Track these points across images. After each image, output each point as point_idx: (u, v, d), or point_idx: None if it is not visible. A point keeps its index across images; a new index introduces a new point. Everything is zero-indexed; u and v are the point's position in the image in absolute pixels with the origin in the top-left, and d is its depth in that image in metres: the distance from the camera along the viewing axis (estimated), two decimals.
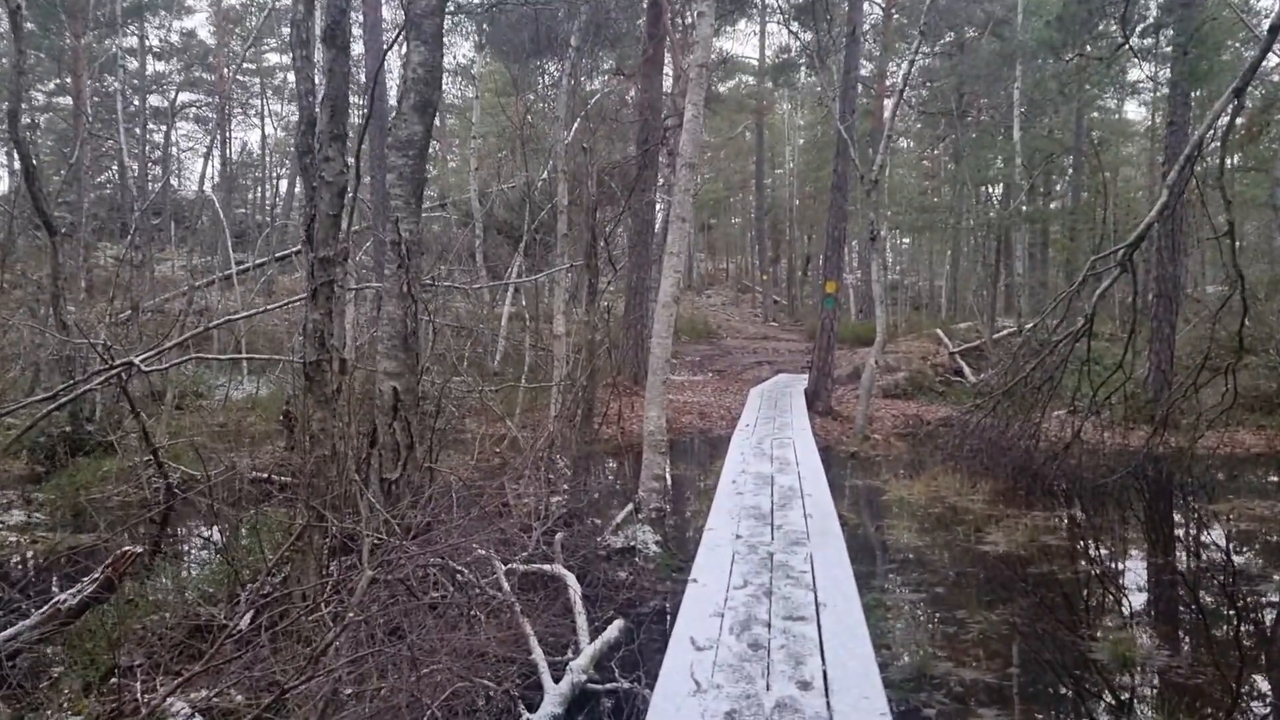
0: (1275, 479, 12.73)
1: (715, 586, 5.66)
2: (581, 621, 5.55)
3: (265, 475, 11.04)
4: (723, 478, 9.34)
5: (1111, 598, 7.50)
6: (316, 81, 5.83)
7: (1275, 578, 7.97)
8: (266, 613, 5.35)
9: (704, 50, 8.14)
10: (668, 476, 13.17)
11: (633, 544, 7.66)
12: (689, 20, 20.05)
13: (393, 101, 22.74)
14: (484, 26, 24.45)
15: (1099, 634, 6.24)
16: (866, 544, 8.93)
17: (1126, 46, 12.05)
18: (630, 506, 8.07)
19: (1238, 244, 11.62)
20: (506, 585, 5.55)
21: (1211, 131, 10.99)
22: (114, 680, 5.01)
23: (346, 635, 4.04)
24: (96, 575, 5.51)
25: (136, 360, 9.61)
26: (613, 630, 5.40)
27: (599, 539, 7.69)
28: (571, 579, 5.96)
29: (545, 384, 10.97)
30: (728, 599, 5.43)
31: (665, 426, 8.13)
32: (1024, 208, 24.74)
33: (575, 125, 15.25)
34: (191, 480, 10.09)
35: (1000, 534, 8.88)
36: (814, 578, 5.84)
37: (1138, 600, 7.51)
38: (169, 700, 4.60)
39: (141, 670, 5.13)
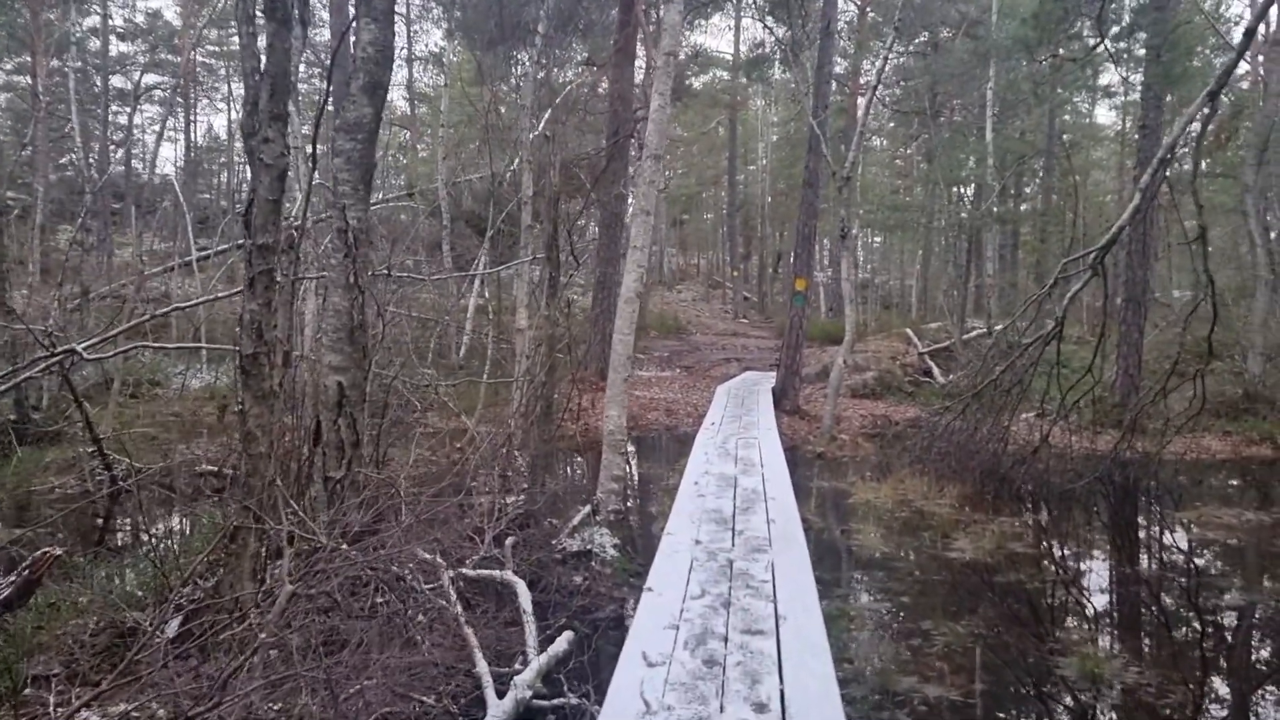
0: (1241, 485, 12.67)
1: (671, 596, 5.41)
2: (530, 631, 5.29)
3: (215, 469, 10.70)
4: (685, 478, 9.08)
5: (1079, 609, 7.34)
6: (263, 60, 5.52)
7: (1241, 588, 7.83)
8: (195, 620, 5.07)
9: (671, 39, 7.88)
10: (634, 472, 12.97)
11: (589, 547, 7.41)
12: (661, 11, 19.78)
13: None
14: (455, 14, 24.08)
15: (1067, 648, 6.06)
16: (831, 549, 8.73)
17: (1102, 47, 11.90)
18: (588, 508, 7.81)
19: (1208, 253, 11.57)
20: (452, 592, 5.27)
21: (1184, 135, 10.90)
22: (26, 691, 4.70)
23: (267, 653, 3.74)
24: (13, 578, 5.18)
25: (79, 347, 9.25)
26: (561, 642, 5.14)
27: (554, 542, 7.43)
28: (522, 586, 5.69)
29: (505, 380, 10.66)
30: (684, 610, 5.18)
31: (626, 426, 7.85)
32: (995, 209, 24.67)
33: (546, 116, 14.95)
34: (137, 473, 9.77)
35: (967, 540, 8.71)
36: (774, 588, 5.61)
37: (1105, 612, 7.35)
38: (84, 714, 4.30)
39: (58, 680, 4.83)
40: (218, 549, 5.23)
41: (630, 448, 16.15)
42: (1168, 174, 10.66)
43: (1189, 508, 10.58)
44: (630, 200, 20.13)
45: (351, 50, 5.81)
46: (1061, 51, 16.11)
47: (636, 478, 12.49)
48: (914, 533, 9.11)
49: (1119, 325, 16.74)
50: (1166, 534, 9.92)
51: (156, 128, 45.63)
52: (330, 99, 8.59)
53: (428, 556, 5.51)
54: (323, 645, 4.21)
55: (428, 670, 4.66)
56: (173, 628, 5.13)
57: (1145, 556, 9.18)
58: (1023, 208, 31.10)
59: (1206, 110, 9.87)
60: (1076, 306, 21.45)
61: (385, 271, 9.09)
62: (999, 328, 23.74)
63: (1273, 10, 18.43)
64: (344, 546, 5.07)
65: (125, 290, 22.03)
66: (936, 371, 21.55)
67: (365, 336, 5.89)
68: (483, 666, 4.74)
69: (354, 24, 5.64)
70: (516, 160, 14.05)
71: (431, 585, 5.45)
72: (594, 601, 6.50)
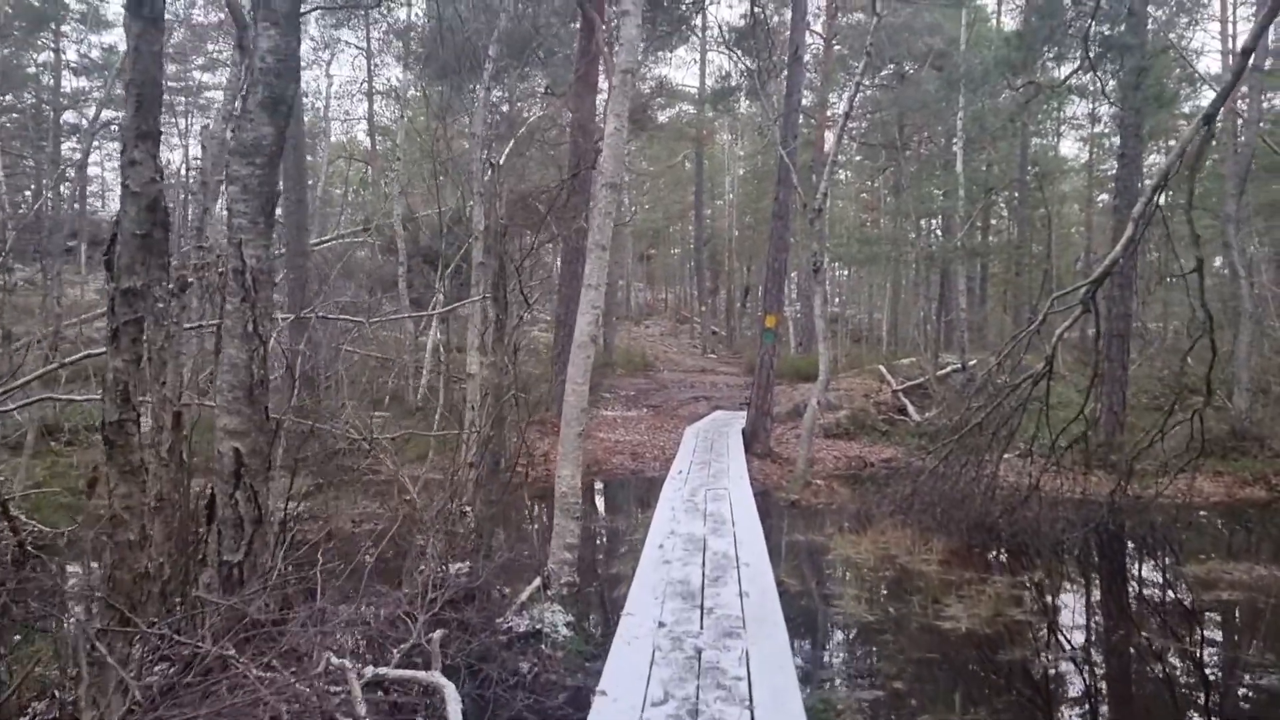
0: (1241, 532, 11.96)
1: (627, 702, 4.54)
2: None
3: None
4: (649, 539, 8.21)
5: (1099, 700, 6.50)
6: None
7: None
8: None
9: (628, 54, 7.11)
10: (596, 522, 12.10)
11: (539, 627, 6.51)
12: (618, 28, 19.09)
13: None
14: (410, 43, 23.37)
15: None
16: (810, 618, 7.87)
17: (1086, 66, 11.32)
18: (537, 581, 6.90)
19: (1177, 282, 11.00)
20: (361, 706, 4.37)
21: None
22: None
23: None
24: None
25: None
26: None
27: (500, 620, 6.54)
28: (451, 690, 4.78)
29: (446, 432, 9.71)
30: None
31: (580, 487, 6.96)
32: (966, 242, 24.14)
33: (508, 148, 14.23)
34: (51, 537, 8.82)
35: (961, 606, 7.87)
36: (750, 686, 4.76)
37: (1129, 704, 6.53)
38: None
39: None
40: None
41: (598, 484, 15.33)
42: (1160, 202, 9.99)
43: (1194, 560, 9.81)
44: None
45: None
46: (1038, 78, 15.60)
47: (594, 532, 11.63)
48: (901, 596, 8.27)
49: (1102, 360, 16.15)
50: (1177, 594, 9.10)
51: (81, 160, 44.35)
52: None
53: (336, 661, 4.59)
54: None
55: None
56: None
57: (1162, 625, 8.28)
58: (991, 240, 30.65)
59: (1203, 133, 9.26)
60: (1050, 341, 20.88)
61: (311, 313, 8.19)
62: (973, 362, 23.22)
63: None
64: (228, 656, 4.16)
65: (75, 331, 20.90)
66: (912, 409, 20.81)
67: (267, 395, 5.01)
68: None
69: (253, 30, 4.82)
70: (471, 195, 13.25)
71: (339, 690, 4.55)
72: (541, 696, 5.61)
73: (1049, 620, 8.05)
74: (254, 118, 4.77)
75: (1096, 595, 9.33)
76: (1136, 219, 9.82)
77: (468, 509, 8.27)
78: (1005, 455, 11.33)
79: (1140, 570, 10.45)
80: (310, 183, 36.33)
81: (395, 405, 19.40)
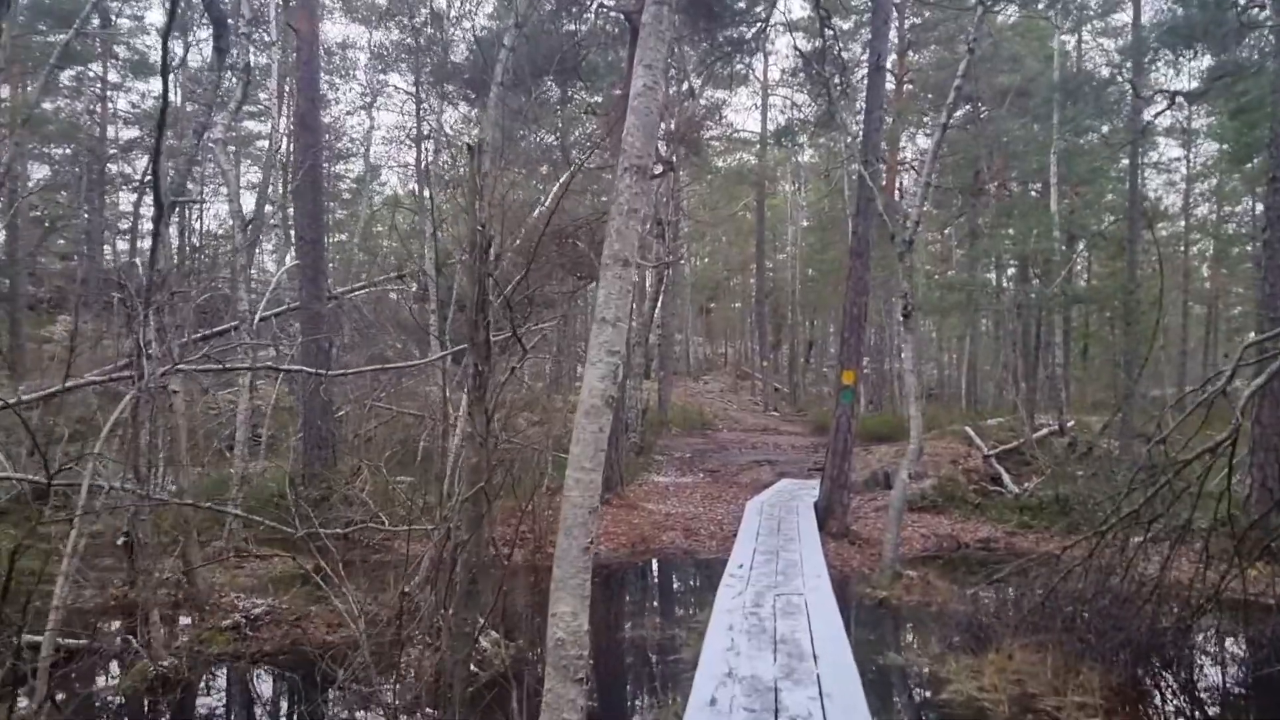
0: None
1: None
2: None
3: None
4: (696, 686, 5.71)
5: None
6: None
7: None
8: None
9: None
10: (641, 635, 9.65)
11: None
12: (677, 53, 16.91)
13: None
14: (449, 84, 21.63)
15: None
16: None
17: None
18: None
19: None
20: None
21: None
22: None
23: None
24: None
25: None
26: None
27: None
28: None
29: (406, 528, 7.20)
30: None
31: (586, 630, 4.42)
32: (1066, 288, 21.41)
33: (556, 187, 12.19)
34: None
35: None
36: None
37: None
38: None
39: None
40: None
41: (645, 566, 12.90)
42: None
43: None
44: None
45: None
46: (1163, 90, 13.09)
47: (638, 642, 9.17)
48: None
49: (1251, 424, 13.35)
50: None
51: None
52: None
53: None
54: None
55: None
56: None
57: None
58: (1085, 285, 27.90)
59: None
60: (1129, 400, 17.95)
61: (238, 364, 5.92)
62: (1071, 423, 20.43)
63: None
64: None
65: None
66: (1007, 479, 17.97)
67: None
68: None
69: None
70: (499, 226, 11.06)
71: None
72: None
73: None
74: None
75: None
76: None
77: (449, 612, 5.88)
78: (1135, 539, 8.66)
79: None
80: (352, 233, 34.93)
81: (426, 466, 17.27)
